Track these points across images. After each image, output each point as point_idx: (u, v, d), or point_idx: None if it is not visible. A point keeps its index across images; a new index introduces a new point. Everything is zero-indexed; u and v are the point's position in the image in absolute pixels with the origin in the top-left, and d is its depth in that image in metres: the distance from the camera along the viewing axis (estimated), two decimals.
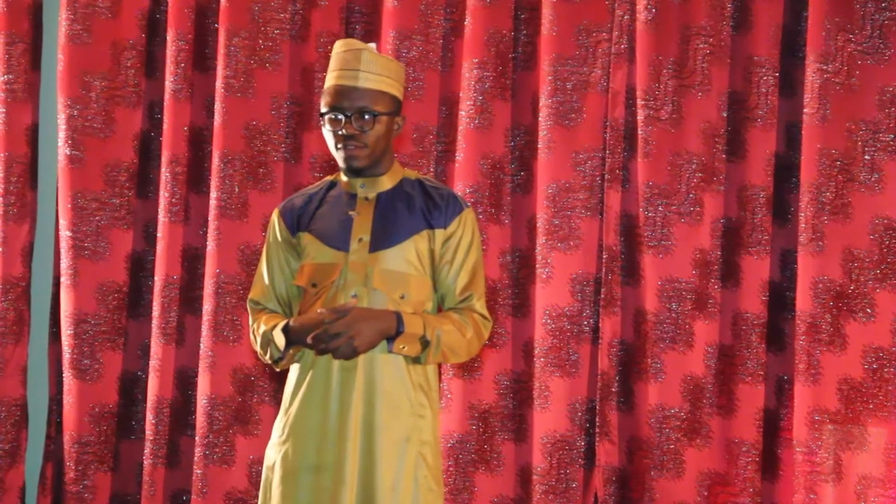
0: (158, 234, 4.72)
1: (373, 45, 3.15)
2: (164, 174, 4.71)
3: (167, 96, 4.71)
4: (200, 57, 4.76)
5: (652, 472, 4.33)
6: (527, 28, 4.54)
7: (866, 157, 4.19)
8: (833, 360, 4.18)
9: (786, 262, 4.36)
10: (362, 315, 2.99)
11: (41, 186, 4.91)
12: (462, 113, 4.47)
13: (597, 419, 4.40)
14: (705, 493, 4.32)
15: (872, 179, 4.19)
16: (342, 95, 3.06)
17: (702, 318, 4.32)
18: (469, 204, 3.22)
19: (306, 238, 3.16)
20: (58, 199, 4.80)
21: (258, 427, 4.63)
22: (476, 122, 4.45)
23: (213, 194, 4.65)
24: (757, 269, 4.32)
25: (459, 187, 4.44)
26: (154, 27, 4.82)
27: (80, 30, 4.74)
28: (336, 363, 3.05)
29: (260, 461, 4.60)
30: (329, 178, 3.24)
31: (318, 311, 3.02)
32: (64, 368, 4.76)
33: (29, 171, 4.84)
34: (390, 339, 3.02)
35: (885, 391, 4.14)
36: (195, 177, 4.77)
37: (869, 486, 4.13)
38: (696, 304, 4.31)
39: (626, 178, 4.41)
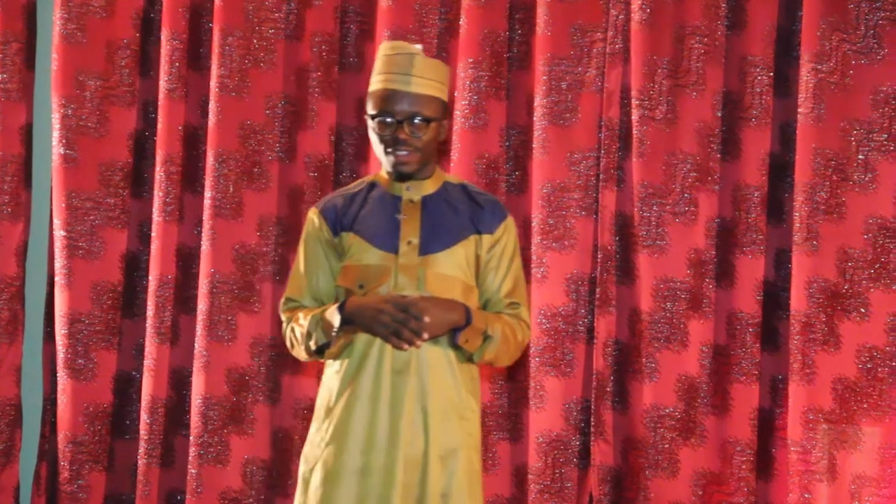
0: (153, 234, 4.72)
1: (420, 47, 3.13)
2: (159, 174, 4.70)
3: (161, 96, 4.71)
4: (195, 56, 4.76)
5: (647, 472, 4.34)
6: (521, 28, 4.54)
7: (860, 156, 4.19)
8: (827, 360, 4.18)
9: (780, 262, 4.36)
10: (435, 302, 2.98)
11: (35, 186, 4.90)
12: (457, 113, 4.47)
13: (592, 419, 4.40)
14: (700, 493, 4.32)
15: (866, 179, 4.19)
16: (394, 100, 3.04)
17: (696, 318, 4.32)
18: (509, 212, 3.23)
19: (351, 238, 3.13)
20: (52, 198, 4.80)
21: (252, 427, 4.63)
22: (471, 121, 4.45)
23: (208, 194, 4.65)
24: (751, 268, 4.32)
25: None
26: (148, 26, 4.82)
27: (75, 29, 4.73)
28: (388, 366, 3.02)
29: (254, 461, 4.61)
30: (368, 178, 3.23)
31: (382, 294, 2.99)
32: (58, 368, 4.76)
33: (23, 171, 4.84)
34: (456, 330, 3.01)
35: (880, 390, 4.15)
36: (190, 176, 4.76)
37: (863, 486, 4.13)
38: (691, 303, 4.32)
39: (620, 177, 4.41)
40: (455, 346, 3.06)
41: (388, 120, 3.04)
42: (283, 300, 3.23)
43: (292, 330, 3.14)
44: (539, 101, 4.42)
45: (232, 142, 4.64)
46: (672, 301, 4.33)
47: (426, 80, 3.06)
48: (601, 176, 4.40)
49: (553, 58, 4.42)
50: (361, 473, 3.03)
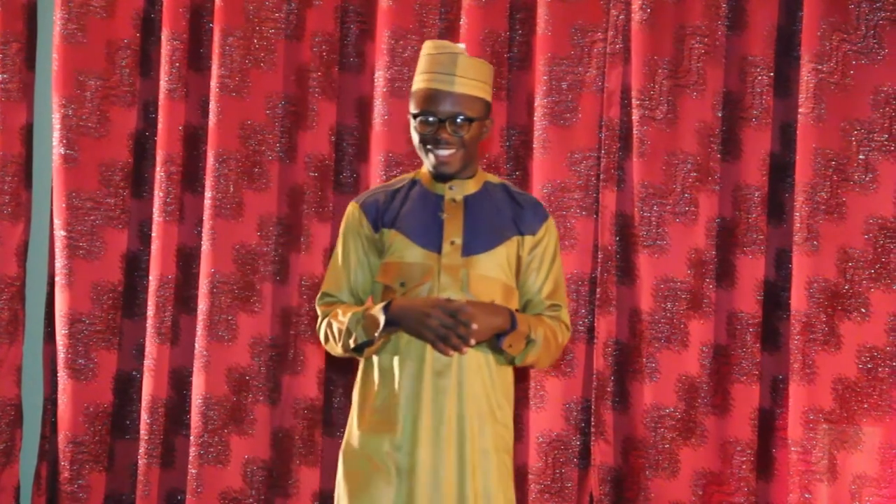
0: (153, 234, 4.71)
1: (463, 46, 3.11)
2: (159, 174, 4.70)
3: (162, 96, 4.71)
4: (195, 56, 4.76)
5: (647, 472, 4.34)
6: (522, 28, 4.54)
7: (861, 156, 4.19)
8: (828, 360, 4.18)
9: (781, 262, 4.36)
10: (482, 307, 2.97)
11: (36, 186, 4.90)
12: None
13: (592, 419, 4.40)
14: (700, 493, 4.32)
15: (867, 179, 4.19)
16: (437, 99, 3.03)
17: (697, 318, 4.32)
18: (549, 213, 3.22)
19: (392, 235, 3.12)
20: (52, 198, 4.80)
21: (253, 427, 4.62)
22: None
23: (208, 194, 4.65)
24: (752, 268, 4.32)
25: None
26: (149, 27, 4.81)
27: (75, 29, 4.73)
28: (429, 366, 3.01)
29: (254, 461, 4.61)
30: (409, 175, 3.21)
31: (430, 297, 2.98)
32: (59, 368, 4.76)
33: (23, 171, 4.83)
34: (500, 335, 3.00)
35: (880, 390, 4.15)
36: (190, 176, 4.76)
37: (863, 486, 4.13)
38: (691, 303, 4.32)
39: (621, 177, 4.42)
40: (498, 350, 3.05)
41: (431, 119, 3.03)
42: (319, 294, 3.22)
43: (329, 325, 3.12)
44: (539, 101, 4.42)
45: (232, 142, 4.64)
46: (672, 301, 4.33)
47: (469, 79, 3.04)
48: (601, 176, 4.40)
49: (553, 58, 4.42)
50: (408, 473, 3.02)
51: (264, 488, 4.63)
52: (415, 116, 3.06)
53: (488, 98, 3.10)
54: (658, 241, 4.36)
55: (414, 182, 3.19)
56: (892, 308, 4.16)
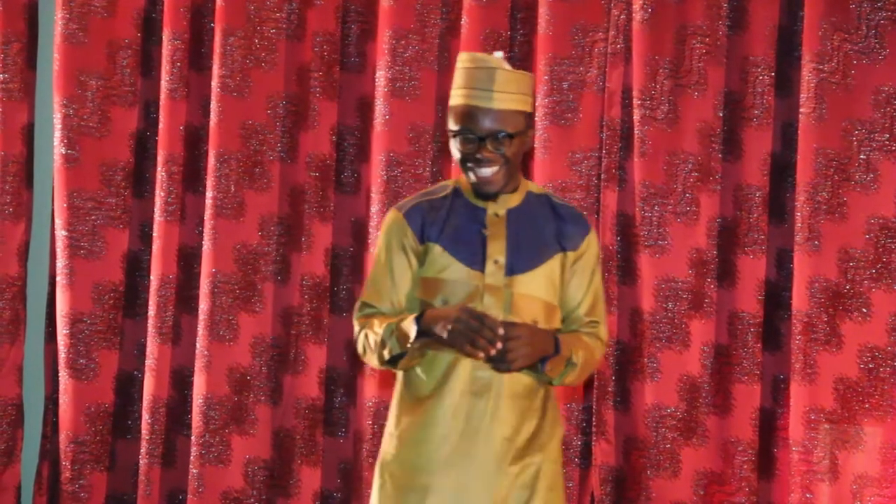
0: (154, 234, 4.72)
1: (500, 54, 3.03)
2: (160, 173, 4.70)
3: (163, 96, 4.71)
4: (196, 56, 4.76)
5: (648, 472, 4.34)
6: (523, 27, 4.54)
7: (862, 156, 4.19)
8: (829, 360, 4.18)
9: (782, 262, 4.36)
10: (530, 331, 2.89)
11: (37, 186, 4.90)
12: None
13: (593, 419, 4.40)
14: (702, 493, 4.32)
15: (868, 179, 4.19)
16: (476, 117, 2.93)
17: (698, 318, 4.32)
18: (591, 225, 3.14)
19: (435, 250, 3.03)
20: (54, 198, 4.80)
21: (254, 427, 4.62)
22: None
23: (209, 193, 4.65)
24: (753, 268, 4.32)
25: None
26: (150, 26, 4.82)
27: (76, 29, 4.73)
28: (467, 386, 2.97)
29: (255, 461, 4.61)
30: (451, 182, 3.12)
31: (461, 306, 2.89)
32: (60, 368, 4.76)
33: (25, 171, 4.84)
34: (544, 359, 2.93)
35: (881, 390, 4.15)
36: (191, 176, 4.76)
37: (865, 486, 4.13)
38: (693, 303, 4.32)
39: (622, 177, 4.42)
40: (538, 372, 2.98)
41: (470, 137, 2.94)
42: (358, 304, 3.12)
43: (366, 336, 3.03)
44: (540, 101, 4.42)
45: (233, 142, 4.64)
46: (674, 301, 4.33)
47: (508, 94, 2.95)
48: (603, 176, 4.40)
49: (554, 57, 4.42)
50: (435, 494, 2.98)
51: (265, 488, 4.63)
52: (454, 135, 2.98)
53: (529, 109, 3.01)
54: (659, 241, 4.35)
55: (456, 191, 3.09)
56: (894, 308, 4.16)
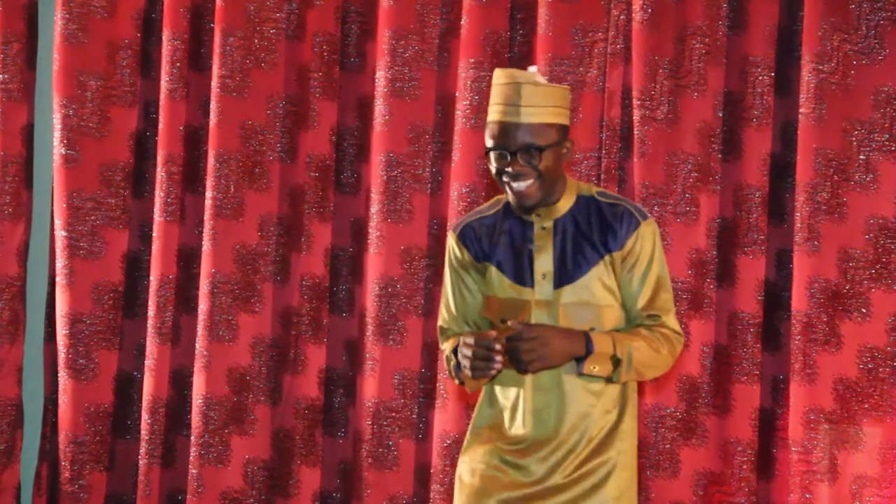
0: (154, 234, 4.72)
1: (534, 69, 3.06)
2: (160, 174, 4.71)
3: (163, 96, 4.71)
4: (196, 56, 4.76)
5: (648, 472, 4.34)
6: (523, 28, 4.54)
7: (861, 157, 4.19)
8: (828, 360, 4.18)
9: (781, 262, 4.36)
10: (553, 332, 2.93)
11: (37, 186, 4.90)
12: (458, 113, 4.47)
13: None
14: (701, 493, 4.32)
15: (867, 179, 4.19)
16: (505, 133, 2.97)
17: (698, 318, 4.32)
18: (649, 215, 3.11)
19: (490, 270, 3.10)
20: (53, 198, 4.80)
21: (253, 427, 4.63)
22: (472, 121, 4.45)
23: (209, 194, 4.65)
24: (753, 268, 4.32)
25: (455, 187, 4.44)
26: (150, 27, 4.82)
27: (76, 29, 4.74)
28: (528, 390, 3.02)
29: (255, 461, 4.61)
30: (503, 198, 3.14)
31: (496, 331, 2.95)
32: (59, 368, 4.76)
33: (24, 171, 4.84)
34: (580, 360, 2.96)
35: (881, 391, 4.15)
36: (191, 176, 4.77)
37: (864, 486, 4.13)
38: (693, 303, 4.32)
39: (622, 178, 4.42)
40: (583, 375, 3.01)
41: (503, 154, 2.98)
42: (438, 329, 3.23)
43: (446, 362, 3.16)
44: None
45: (233, 142, 4.64)
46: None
47: (536, 108, 2.97)
48: (602, 176, 4.40)
49: (554, 58, 4.42)
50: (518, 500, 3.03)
51: (265, 488, 4.63)
52: (488, 151, 3.02)
53: (563, 121, 3.02)
54: None
55: (506, 207, 3.13)
56: (893, 308, 4.15)
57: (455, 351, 3.05)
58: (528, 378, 3.03)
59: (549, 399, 3.03)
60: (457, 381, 3.09)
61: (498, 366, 2.89)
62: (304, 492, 4.61)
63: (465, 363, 2.91)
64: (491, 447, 3.08)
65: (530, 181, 2.98)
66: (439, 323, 3.22)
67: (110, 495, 4.81)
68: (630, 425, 3.10)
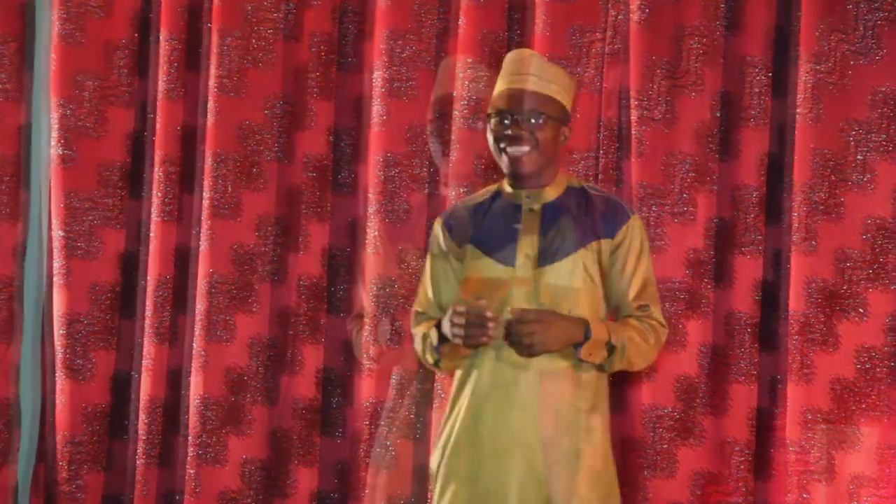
0: (151, 234, 4.72)
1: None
2: (157, 174, 4.71)
3: (159, 96, 4.71)
4: (193, 57, 4.76)
5: (645, 472, 4.34)
6: (520, 28, 4.54)
7: (858, 157, 4.19)
8: (825, 360, 4.18)
9: (778, 262, 4.36)
10: (554, 317, 2.95)
11: (33, 186, 4.90)
12: (456, 113, 4.47)
13: None
14: (698, 493, 4.32)
15: (865, 179, 4.19)
16: (511, 98, 3.00)
17: (694, 318, 4.32)
18: (634, 211, 3.17)
19: (471, 250, 3.10)
20: (50, 198, 4.80)
21: (251, 427, 4.62)
22: (470, 121, 4.44)
23: (206, 194, 4.65)
24: (749, 268, 4.32)
25: (453, 187, 4.44)
26: (146, 27, 4.82)
27: (73, 29, 4.73)
28: (493, 378, 3.02)
29: (252, 461, 4.61)
30: (494, 186, 3.17)
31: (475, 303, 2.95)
32: (56, 368, 4.76)
33: (20, 171, 4.84)
34: (577, 345, 2.98)
35: (878, 391, 4.15)
36: (188, 177, 4.76)
37: (861, 486, 4.13)
38: (689, 303, 4.32)
39: (619, 178, 4.41)
40: (578, 361, 3.03)
41: (505, 120, 3.00)
42: (412, 314, 3.22)
43: (417, 344, 3.16)
44: None
45: (230, 142, 4.64)
46: (670, 301, 4.33)
47: (543, 80, 3.02)
48: (599, 176, 4.40)
49: (551, 58, 4.39)
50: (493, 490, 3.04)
51: (262, 489, 4.63)
52: (489, 118, 3.02)
53: (566, 104, 3.05)
54: (656, 242, 4.35)
55: (497, 194, 3.15)
56: (890, 308, 4.16)
57: (438, 326, 3.04)
58: (491, 365, 3.02)
59: (520, 396, 3.04)
60: (430, 361, 3.09)
61: (491, 332, 2.90)
62: (301, 492, 4.61)
63: (458, 331, 2.90)
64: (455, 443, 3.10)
65: (527, 148, 3.00)
66: (415, 307, 3.21)
67: (107, 495, 4.81)
68: (604, 431, 3.14)
